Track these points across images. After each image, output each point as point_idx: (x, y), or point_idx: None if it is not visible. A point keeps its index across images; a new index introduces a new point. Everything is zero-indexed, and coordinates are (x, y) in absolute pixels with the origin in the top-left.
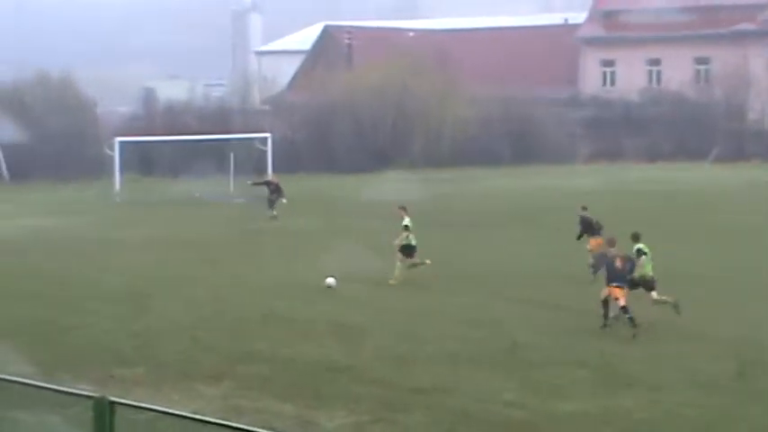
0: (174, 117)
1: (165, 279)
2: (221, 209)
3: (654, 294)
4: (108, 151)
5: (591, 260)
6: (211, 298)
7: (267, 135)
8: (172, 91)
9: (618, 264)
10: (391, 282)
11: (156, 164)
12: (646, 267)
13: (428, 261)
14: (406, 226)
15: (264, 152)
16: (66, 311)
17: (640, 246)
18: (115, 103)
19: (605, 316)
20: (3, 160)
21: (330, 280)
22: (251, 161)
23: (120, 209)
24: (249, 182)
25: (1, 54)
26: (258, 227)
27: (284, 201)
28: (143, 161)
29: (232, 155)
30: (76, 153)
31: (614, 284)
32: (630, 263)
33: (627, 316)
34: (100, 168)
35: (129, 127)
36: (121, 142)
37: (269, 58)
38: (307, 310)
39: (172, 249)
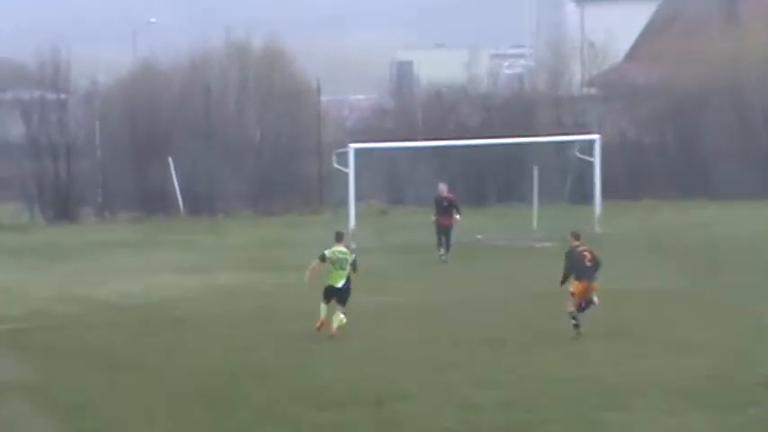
0: (441, 109)
1: None
2: (524, 258)
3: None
4: (336, 165)
5: None
6: None
7: (594, 137)
8: (437, 68)
9: (588, 262)
10: None
11: (406, 183)
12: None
13: None
14: None
15: (587, 165)
16: None
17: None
18: (347, 90)
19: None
20: (177, 187)
21: None
22: (565, 178)
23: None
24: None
25: (187, 11)
26: None
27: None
28: (386, 178)
29: (536, 169)
30: (287, 166)
31: (585, 280)
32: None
33: (574, 323)
34: (322, 191)
35: (370, 127)
36: (359, 150)
37: (594, 9)
38: None
39: None
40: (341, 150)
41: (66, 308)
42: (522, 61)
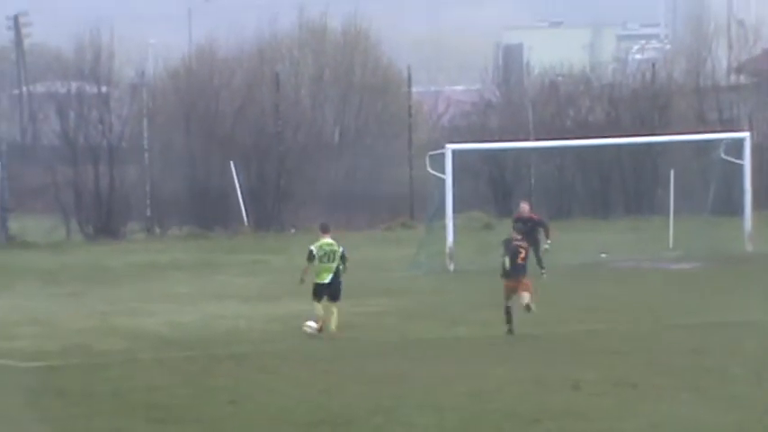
0: (557, 102)
1: None
2: (657, 282)
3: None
4: (431, 170)
5: None
6: None
7: (744, 135)
8: (552, 52)
9: (521, 260)
10: None
11: (519, 192)
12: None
13: None
14: None
15: (735, 168)
16: None
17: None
18: (443, 80)
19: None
20: (241, 197)
21: None
22: (708, 185)
23: (446, 281)
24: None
25: None
26: None
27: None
28: (498, 187)
29: (672, 174)
30: (370, 171)
31: (511, 280)
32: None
33: (509, 325)
34: (414, 201)
35: (471, 125)
36: (458, 152)
37: None
38: None
39: None
40: (436, 152)
41: (107, 342)
42: (656, 44)
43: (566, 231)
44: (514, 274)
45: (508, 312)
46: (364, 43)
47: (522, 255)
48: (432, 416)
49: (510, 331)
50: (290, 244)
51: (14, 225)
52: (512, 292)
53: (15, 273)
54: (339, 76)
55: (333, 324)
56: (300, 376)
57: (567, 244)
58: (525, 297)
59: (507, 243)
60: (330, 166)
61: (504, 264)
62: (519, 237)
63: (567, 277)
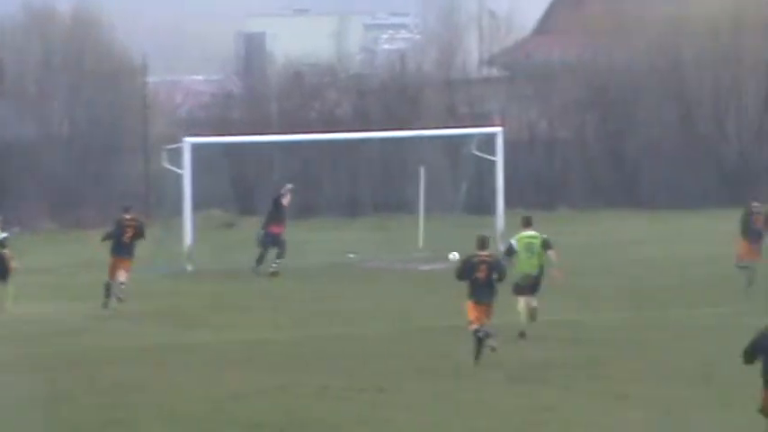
0: (302, 94)
1: None
2: (407, 284)
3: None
4: (167, 164)
5: None
6: None
7: (496, 130)
8: (297, 41)
9: (481, 274)
10: None
11: (261, 189)
12: (521, 266)
13: None
14: None
15: (487, 165)
16: None
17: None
18: (181, 69)
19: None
20: None
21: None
22: (459, 182)
23: (184, 283)
24: None
25: None
26: None
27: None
28: (239, 184)
29: (422, 170)
30: (102, 166)
31: (475, 300)
32: (498, 268)
33: (479, 335)
34: (149, 198)
35: (212, 117)
36: (197, 146)
37: None
38: None
39: None
40: (173, 146)
41: None
42: (405, 34)
43: (312, 230)
44: (477, 293)
45: (477, 330)
46: (96, 29)
47: (484, 269)
48: (167, 426)
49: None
50: (15, 243)
51: None
52: (479, 316)
53: None
54: (69, 64)
55: None
56: (24, 387)
57: (314, 243)
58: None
59: (467, 260)
60: (58, 159)
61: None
62: (481, 252)
63: (313, 278)
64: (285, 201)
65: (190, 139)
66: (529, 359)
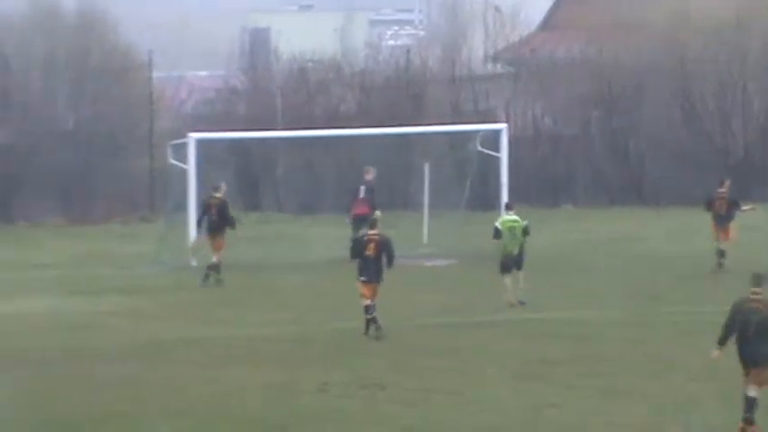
0: (307, 90)
1: None
2: (410, 278)
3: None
4: (172, 160)
5: None
6: None
7: (500, 127)
8: (301, 37)
9: (371, 252)
10: None
11: (266, 184)
12: (505, 247)
13: None
14: None
15: (491, 161)
16: None
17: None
18: (186, 65)
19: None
20: None
21: None
22: (463, 178)
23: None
24: None
25: None
26: None
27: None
28: (244, 179)
29: (426, 167)
30: (107, 161)
31: (363, 279)
32: (386, 246)
33: (369, 317)
34: (154, 193)
35: (216, 112)
36: (201, 141)
37: None
38: None
39: None
40: (178, 141)
41: None
42: (410, 30)
43: (315, 225)
44: (366, 271)
45: (368, 309)
46: (101, 25)
47: (373, 247)
48: (170, 421)
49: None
50: (21, 238)
51: None
52: (368, 295)
53: None
54: (73, 60)
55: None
56: (26, 379)
57: (317, 239)
58: (366, 300)
59: (358, 239)
60: (64, 155)
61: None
62: (372, 231)
63: (316, 274)
64: (369, 176)
65: (194, 135)
66: (533, 356)
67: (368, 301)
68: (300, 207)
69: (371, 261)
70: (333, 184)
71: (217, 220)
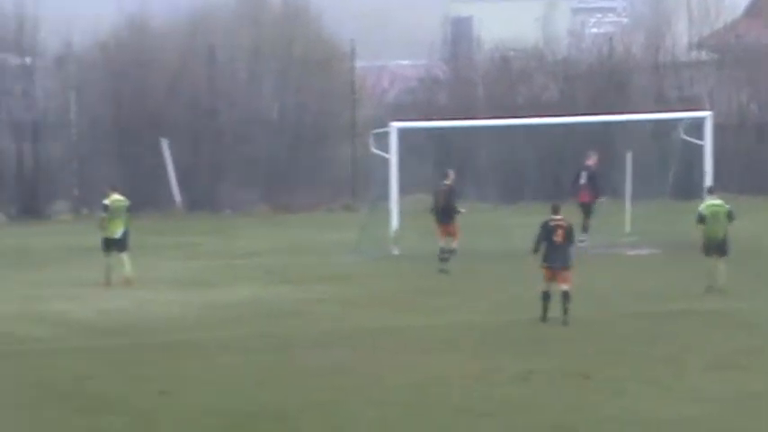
0: (508, 79)
1: None
2: (614, 268)
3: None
4: (374, 149)
5: None
6: None
7: (704, 114)
8: (503, 25)
9: (559, 238)
10: None
11: (467, 173)
12: (708, 231)
13: None
14: None
15: (695, 150)
16: None
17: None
18: (388, 54)
19: None
20: (173, 176)
21: None
22: (667, 167)
23: (390, 267)
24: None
25: None
26: None
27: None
28: (445, 168)
29: (629, 156)
30: (311, 150)
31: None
32: (571, 232)
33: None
34: (356, 182)
35: (418, 102)
36: (403, 130)
37: None
38: None
39: None
40: (380, 130)
41: (31, 329)
42: (613, 17)
43: (517, 214)
44: (551, 258)
45: (546, 297)
46: (304, 15)
47: (561, 234)
48: (373, 409)
49: (544, 318)
50: (226, 226)
51: None
52: (550, 281)
53: None
54: (278, 50)
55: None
56: (235, 366)
57: (519, 228)
58: (565, 287)
59: (545, 224)
60: (268, 144)
61: (535, 240)
62: (555, 216)
63: (518, 263)
64: (591, 161)
65: (396, 124)
66: (733, 345)
67: (547, 288)
68: (502, 196)
69: (559, 247)
70: (535, 173)
71: (445, 207)
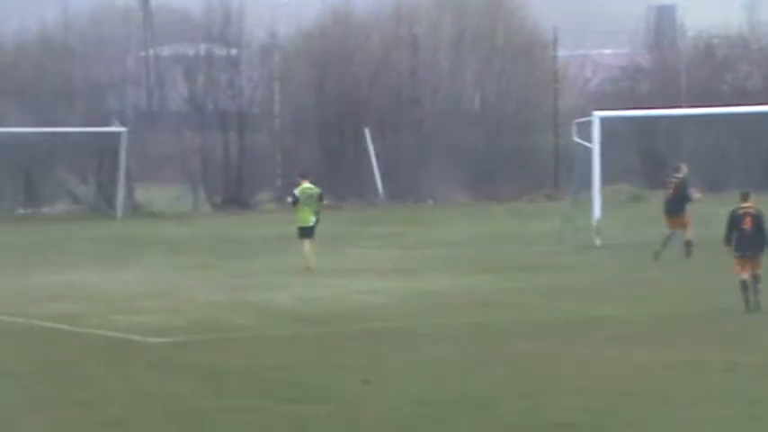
0: (713, 67)
1: None
2: None
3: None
4: (577, 139)
5: None
6: None
7: None
8: (708, 13)
9: (747, 225)
10: None
11: (671, 163)
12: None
13: None
14: None
15: None
16: None
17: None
18: (591, 43)
19: None
20: (376, 167)
21: None
22: None
23: (593, 257)
24: None
25: None
26: None
27: None
28: (648, 157)
29: None
30: (513, 140)
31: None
32: (760, 219)
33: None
34: (558, 172)
35: (621, 91)
36: (606, 120)
37: None
38: None
39: None
40: (583, 120)
41: (237, 317)
42: None
43: (722, 204)
44: (742, 245)
45: (745, 287)
46: (508, 4)
47: (749, 221)
48: (577, 399)
49: (747, 309)
50: (428, 216)
51: (140, 194)
52: (743, 269)
53: (141, 244)
54: (480, 39)
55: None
56: (438, 355)
57: (723, 217)
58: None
59: (733, 213)
60: (470, 133)
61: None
62: (744, 204)
63: (723, 252)
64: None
65: (599, 113)
66: None
67: (744, 276)
68: (707, 185)
69: (749, 235)
70: (740, 162)
71: (675, 200)
